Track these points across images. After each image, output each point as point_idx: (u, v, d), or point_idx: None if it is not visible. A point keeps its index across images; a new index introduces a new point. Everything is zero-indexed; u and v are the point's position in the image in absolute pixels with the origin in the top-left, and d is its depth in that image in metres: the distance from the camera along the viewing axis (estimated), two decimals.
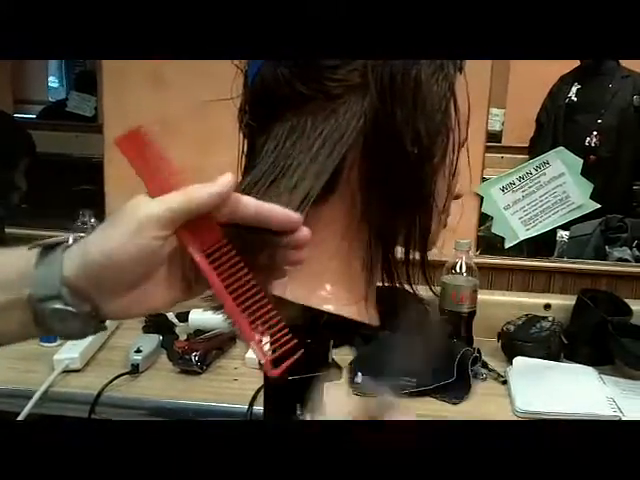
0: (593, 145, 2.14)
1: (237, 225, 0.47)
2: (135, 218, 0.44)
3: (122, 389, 1.26)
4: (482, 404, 1.30)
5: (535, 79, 2.16)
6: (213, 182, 0.45)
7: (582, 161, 1.69)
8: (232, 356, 1.44)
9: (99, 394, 1.23)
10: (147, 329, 1.52)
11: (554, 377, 1.40)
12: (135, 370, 1.30)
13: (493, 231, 1.72)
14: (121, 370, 1.30)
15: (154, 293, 0.47)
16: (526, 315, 1.55)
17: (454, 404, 1.29)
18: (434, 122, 0.54)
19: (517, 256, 1.74)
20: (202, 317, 1.50)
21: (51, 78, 3.07)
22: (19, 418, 1.16)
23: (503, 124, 2.38)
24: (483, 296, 1.54)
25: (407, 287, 0.59)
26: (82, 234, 0.47)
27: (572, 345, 1.50)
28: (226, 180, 0.45)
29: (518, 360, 1.44)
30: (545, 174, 1.68)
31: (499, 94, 2.01)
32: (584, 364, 1.46)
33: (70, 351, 1.31)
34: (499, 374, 1.39)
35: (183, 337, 1.51)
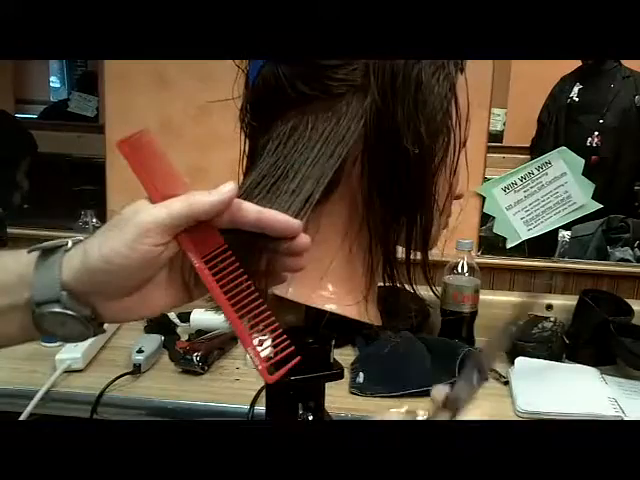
0: (595, 145, 2.13)
1: (237, 230, 0.46)
2: (135, 224, 0.44)
3: (124, 389, 1.26)
4: (484, 404, 1.30)
5: (537, 79, 2.16)
6: (215, 190, 0.45)
7: (584, 161, 1.68)
8: (234, 356, 1.44)
9: (101, 394, 1.23)
10: (149, 329, 1.52)
11: (556, 377, 1.40)
12: (137, 370, 1.30)
13: (495, 231, 1.72)
14: (123, 370, 1.30)
15: (153, 297, 0.47)
16: (528, 315, 1.54)
17: None
18: (435, 122, 0.54)
19: (519, 256, 1.74)
20: (204, 317, 1.50)
21: (53, 78, 3.07)
22: (21, 418, 1.16)
23: (505, 124, 2.38)
24: (485, 296, 1.54)
25: (408, 287, 0.59)
26: (82, 237, 0.47)
27: (574, 345, 1.50)
28: (227, 188, 0.45)
29: (520, 360, 1.44)
30: (547, 174, 1.67)
31: (501, 94, 2.00)
32: (586, 364, 1.46)
33: (72, 351, 1.31)
34: (501, 374, 1.39)
35: (185, 337, 1.51)
